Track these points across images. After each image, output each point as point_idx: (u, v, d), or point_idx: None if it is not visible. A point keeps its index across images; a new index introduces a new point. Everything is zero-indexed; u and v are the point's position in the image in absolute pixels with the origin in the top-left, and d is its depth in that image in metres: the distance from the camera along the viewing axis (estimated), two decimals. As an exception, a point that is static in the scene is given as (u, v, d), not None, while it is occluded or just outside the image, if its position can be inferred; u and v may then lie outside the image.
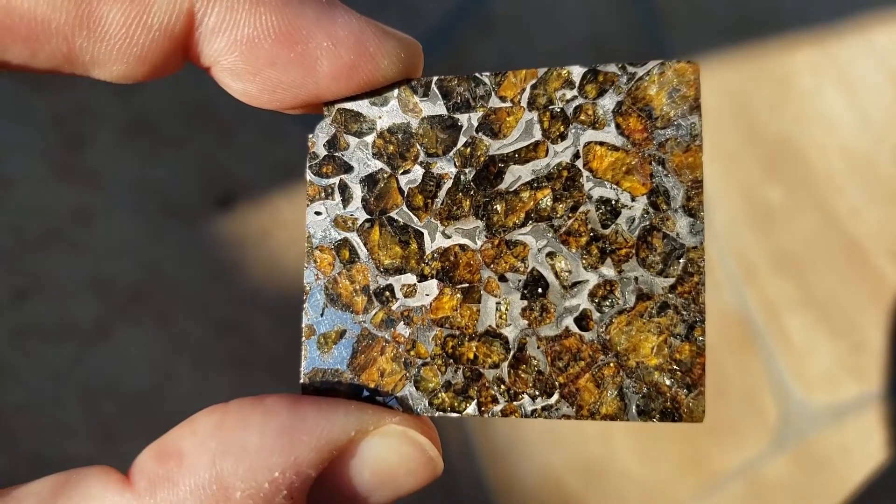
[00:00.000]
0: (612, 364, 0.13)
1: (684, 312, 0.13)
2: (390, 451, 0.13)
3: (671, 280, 0.13)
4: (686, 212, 0.13)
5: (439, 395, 0.14)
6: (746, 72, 0.61)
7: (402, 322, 0.14)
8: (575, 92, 0.14)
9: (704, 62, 0.62)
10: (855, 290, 0.59)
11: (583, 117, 0.14)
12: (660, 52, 0.62)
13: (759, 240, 0.59)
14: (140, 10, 0.12)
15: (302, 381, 0.14)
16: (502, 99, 0.14)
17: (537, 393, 0.13)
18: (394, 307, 0.14)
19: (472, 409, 0.14)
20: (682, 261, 0.13)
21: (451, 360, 0.14)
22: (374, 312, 0.14)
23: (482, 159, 0.14)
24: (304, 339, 0.14)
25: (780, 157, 0.60)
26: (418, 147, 0.14)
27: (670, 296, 0.13)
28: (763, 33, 0.62)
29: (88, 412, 0.52)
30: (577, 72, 0.14)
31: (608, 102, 0.14)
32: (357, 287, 0.14)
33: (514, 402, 0.13)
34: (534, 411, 0.13)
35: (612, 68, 0.14)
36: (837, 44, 0.62)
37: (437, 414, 0.14)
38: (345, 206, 0.14)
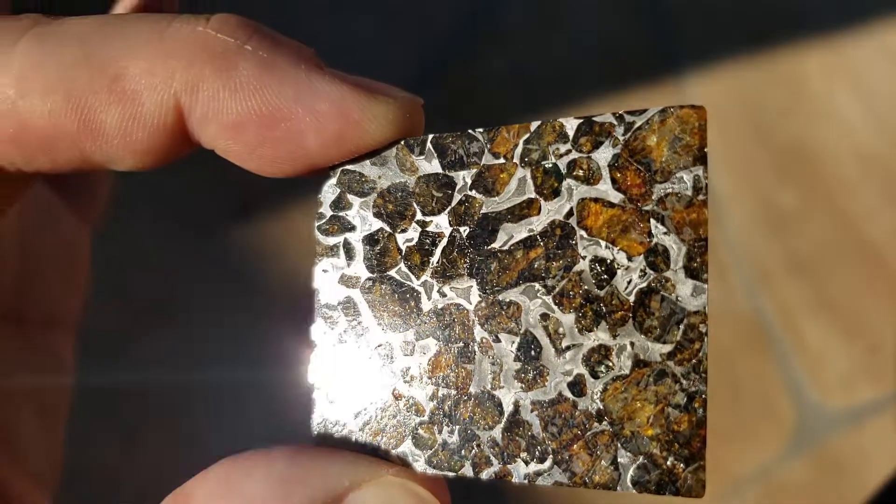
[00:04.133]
0: (606, 432, 0.13)
1: (684, 381, 0.12)
2: (387, 501, 0.13)
3: (670, 347, 0.12)
4: (688, 273, 0.12)
5: (438, 453, 0.14)
6: (759, 76, 0.61)
7: (401, 380, 0.14)
8: (569, 146, 0.13)
9: (716, 67, 0.62)
10: (870, 293, 0.58)
11: (577, 172, 0.13)
12: (671, 58, 0.62)
13: (774, 243, 0.59)
14: (132, 111, 0.13)
15: (314, 432, 0.14)
16: (495, 155, 0.14)
17: (530, 458, 0.13)
18: (393, 365, 0.14)
19: (467, 469, 0.13)
20: (682, 326, 0.12)
21: (448, 420, 0.14)
22: (375, 369, 0.14)
23: (476, 217, 0.14)
24: (313, 392, 0.14)
25: (794, 161, 0.60)
26: (415, 206, 0.14)
27: (669, 363, 0.12)
28: (775, 37, 0.62)
29: (110, 416, 0.53)
30: (570, 124, 0.13)
31: (604, 156, 0.13)
32: (360, 344, 0.14)
33: (508, 465, 0.13)
34: (527, 475, 0.13)
35: (608, 118, 0.13)
36: (850, 47, 0.62)
37: (433, 472, 0.14)
38: (349, 265, 0.14)
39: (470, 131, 0.14)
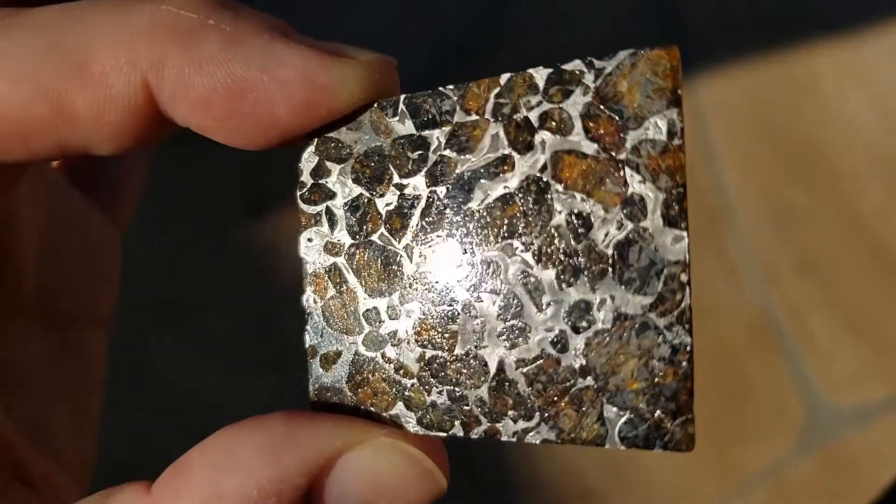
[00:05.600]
0: (590, 388, 0.12)
1: (667, 334, 0.12)
2: (380, 462, 0.13)
3: (650, 298, 0.12)
4: (666, 222, 0.12)
5: (427, 414, 0.14)
6: (770, 75, 0.62)
7: (388, 343, 0.14)
8: (540, 97, 0.13)
9: (727, 66, 0.62)
10: (880, 291, 0.59)
11: (550, 124, 0.13)
12: (681, 57, 0.62)
13: (783, 242, 0.59)
14: (102, 94, 0.13)
15: (311, 398, 0.14)
16: (467, 112, 0.13)
17: (517, 416, 0.13)
18: (380, 329, 0.14)
19: (457, 428, 0.13)
20: (662, 277, 0.12)
21: (436, 381, 0.13)
22: (364, 334, 0.14)
23: (452, 177, 0.13)
24: (309, 358, 0.15)
25: (804, 160, 0.60)
26: (392, 169, 0.14)
27: (650, 315, 0.12)
28: (786, 37, 0.62)
29: (122, 415, 0.54)
30: (540, 74, 0.13)
31: (575, 105, 0.12)
32: (348, 310, 0.14)
33: (497, 424, 0.13)
34: (515, 433, 0.13)
35: (577, 65, 0.12)
36: (860, 46, 0.62)
37: (424, 432, 0.14)
38: (332, 232, 0.14)
39: (441, 88, 0.13)
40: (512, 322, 0.13)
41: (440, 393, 0.13)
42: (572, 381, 0.13)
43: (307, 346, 0.15)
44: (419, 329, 0.14)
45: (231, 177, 0.56)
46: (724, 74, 0.62)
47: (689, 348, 0.12)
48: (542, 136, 0.13)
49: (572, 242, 0.12)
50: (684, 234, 0.12)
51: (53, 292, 0.19)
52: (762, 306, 0.58)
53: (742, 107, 0.61)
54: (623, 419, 0.12)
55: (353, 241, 0.14)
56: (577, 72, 0.12)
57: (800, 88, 0.62)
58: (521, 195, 0.13)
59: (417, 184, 0.14)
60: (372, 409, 0.14)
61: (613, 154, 0.12)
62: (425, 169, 0.14)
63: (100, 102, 0.13)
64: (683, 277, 0.12)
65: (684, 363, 0.12)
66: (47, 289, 0.19)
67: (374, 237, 0.14)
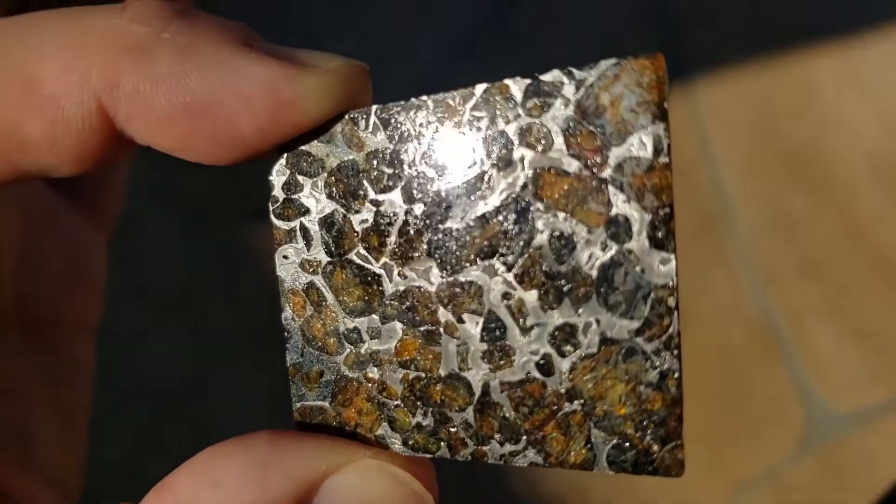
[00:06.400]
0: (577, 412, 0.12)
1: (655, 359, 0.11)
2: (367, 484, 0.13)
3: (637, 323, 0.12)
4: (652, 244, 0.11)
5: (413, 435, 0.13)
6: (768, 80, 0.62)
7: (371, 363, 0.13)
8: (518, 110, 0.12)
9: (726, 71, 0.62)
10: (879, 296, 0.59)
11: (529, 139, 0.12)
12: (681, 62, 0.62)
13: (782, 247, 0.60)
14: (53, 117, 0.12)
15: (295, 417, 0.14)
16: (443, 125, 0.13)
17: (504, 439, 0.12)
18: (362, 349, 0.13)
19: (443, 451, 0.13)
20: (648, 301, 0.11)
21: (420, 402, 0.13)
22: (345, 354, 0.14)
23: (430, 194, 0.13)
24: (290, 377, 0.14)
25: (803, 165, 0.61)
26: (367, 184, 0.13)
27: (637, 340, 0.12)
28: (785, 42, 0.63)
29: (126, 414, 0.54)
30: (518, 86, 0.12)
31: (555, 119, 0.12)
32: (328, 329, 0.14)
33: (483, 447, 0.13)
34: (502, 456, 0.13)
35: (557, 76, 0.12)
36: (861, 51, 0.62)
37: (410, 454, 0.13)
38: (308, 250, 0.14)
39: (414, 100, 0.13)
40: (495, 344, 0.13)
41: (425, 414, 0.13)
42: (559, 406, 0.12)
43: (288, 364, 0.14)
44: (401, 350, 0.13)
45: (236, 183, 0.56)
46: (724, 79, 0.62)
47: (677, 374, 0.11)
48: (522, 151, 0.12)
49: (555, 264, 0.12)
50: (672, 256, 0.11)
51: (34, 299, 0.18)
52: (761, 310, 0.59)
53: (741, 111, 0.62)
54: (611, 444, 0.12)
55: (329, 260, 0.14)
56: (557, 83, 0.12)
57: (799, 93, 0.62)
58: (501, 214, 0.12)
59: (394, 200, 0.13)
60: (357, 429, 0.14)
61: (596, 172, 0.12)
62: (401, 185, 0.13)
63: (52, 126, 0.12)
64: (671, 301, 0.11)
65: (673, 389, 0.11)
66: (27, 296, 0.18)
67: (352, 255, 0.13)
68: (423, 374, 0.13)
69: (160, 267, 0.56)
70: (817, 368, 0.58)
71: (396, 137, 0.13)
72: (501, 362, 0.12)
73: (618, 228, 0.12)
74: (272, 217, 0.14)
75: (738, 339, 0.58)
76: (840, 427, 0.57)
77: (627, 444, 0.12)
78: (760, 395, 0.58)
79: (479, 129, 0.12)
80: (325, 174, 0.13)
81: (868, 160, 0.61)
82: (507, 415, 0.13)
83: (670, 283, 0.11)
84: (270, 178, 0.14)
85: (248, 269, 0.57)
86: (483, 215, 0.12)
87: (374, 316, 0.13)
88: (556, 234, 0.12)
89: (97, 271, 0.21)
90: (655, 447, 0.12)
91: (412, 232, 0.13)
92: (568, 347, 0.12)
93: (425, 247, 0.13)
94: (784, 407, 0.57)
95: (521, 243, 0.12)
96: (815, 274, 0.59)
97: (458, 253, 0.13)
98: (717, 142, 0.61)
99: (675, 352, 0.11)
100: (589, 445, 0.12)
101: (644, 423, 0.12)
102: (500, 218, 0.12)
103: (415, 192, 0.13)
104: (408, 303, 0.13)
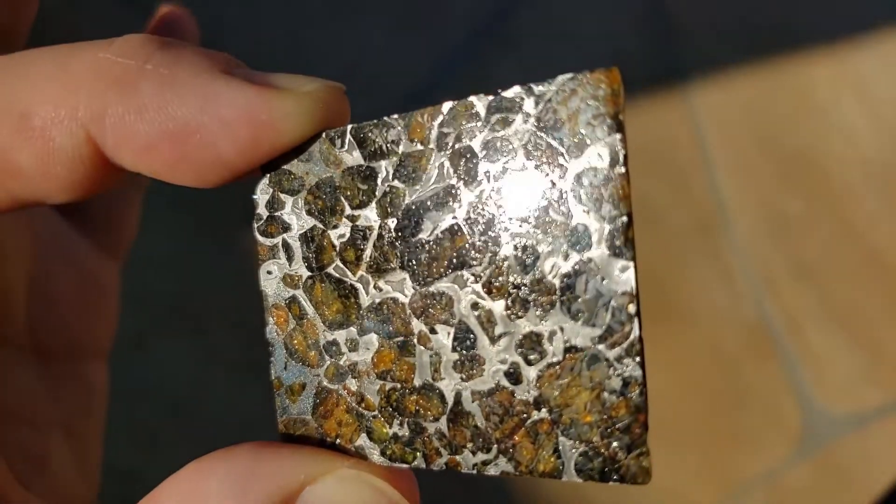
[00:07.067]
0: (545, 420, 0.12)
1: (617, 366, 0.12)
2: (344, 493, 0.13)
3: (599, 330, 0.12)
4: (612, 252, 0.12)
5: (390, 445, 0.13)
6: (765, 85, 0.62)
7: (350, 375, 0.14)
8: (482, 125, 0.12)
9: (723, 75, 0.62)
10: (875, 299, 0.59)
11: (493, 154, 0.12)
12: (678, 67, 0.63)
13: (779, 250, 0.60)
14: (44, 148, 0.13)
15: (279, 429, 0.14)
16: (412, 142, 0.13)
17: (476, 448, 0.13)
18: (341, 361, 0.14)
19: (419, 460, 0.13)
20: (609, 309, 0.12)
21: (396, 413, 0.13)
22: (325, 366, 0.14)
23: (401, 208, 0.13)
24: (275, 390, 0.14)
25: (798, 169, 0.61)
26: (343, 201, 0.14)
27: (599, 347, 0.12)
28: (781, 47, 0.63)
29: (127, 420, 0.54)
30: (481, 102, 0.12)
31: (517, 133, 0.12)
32: (309, 342, 0.14)
33: (457, 456, 0.13)
34: (475, 465, 0.13)
35: (517, 91, 0.12)
36: (856, 56, 0.63)
37: (388, 464, 0.13)
38: (290, 265, 0.14)
39: (386, 118, 0.13)
40: (466, 354, 0.13)
41: (401, 425, 0.13)
42: (527, 414, 0.12)
43: (273, 378, 0.14)
44: (378, 361, 0.14)
45: (234, 188, 0.57)
46: (720, 83, 0.63)
47: (640, 380, 0.12)
48: (487, 165, 0.12)
49: (521, 274, 0.12)
50: (630, 264, 0.12)
51: (47, 327, 0.19)
52: (758, 313, 0.59)
53: (737, 115, 0.62)
54: (578, 452, 0.12)
55: (309, 274, 0.14)
56: (517, 98, 0.12)
57: (795, 97, 0.62)
58: (468, 226, 0.13)
59: (369, 215, 0.13)
60: (338, 440, 0.14)
61: (556, 184, 0.12)
62: (375, 200, 0.13)
63: (44, 156, 0.13)
64: (631, 309, 0.12)
65: (635, 396, 0.12)
66: (40, 324, 0.19)
67: (330, 269, 0.14)
68: (399, 385, 0.13)
69: (159, 271, 0.56)
70: (814, 371, 0.58)
71: (370, 154, 0.13)
72: (473, 371, 0.13)
73: (578, 238, 0.12)
74: (256, 234, 0.15)
75: (735, 342, 0.58)
76: (837, 429, 0.57)
77: (594, 451, 0.12)
78: (757, 398, 0.58)
79: (446, 144, 0.13)
80: (305, 192, 0.14)
81: (864, 164, 0.61)
82: (478, 424, 0.13)
83: (630, 290, 0.12)
84: (254, 196, 0.15)
85: (247, 273, 0.57)
86: (451, 227, 0.13)
87: (352, 328, 0.14)
88: (521, 244, 0.12)
89: (109, 298, 0.21)
90: (621, 454, 0.12)
91: (386, 245, 0.13)
92: (534, 356, 0.12)
93: (398, 259, 0.13)
94: (781, 409, 0.58)
95: (489, 255, 0.13)
96: (812, 277, 0.59)
97: (429, 265, 0.13)
98: (713, 145, 0.61)
99: (638, 358, 0.12)
100: (557, 453, 0.12)
101: (609, 431, 0.12)
102: (468, 230, 0.13)
103: (388, 206, 0.13)
104: (383, 314, 0.13)
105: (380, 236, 0.13)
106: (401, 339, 0.13)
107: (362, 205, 0.14)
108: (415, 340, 0.13)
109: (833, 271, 0.59)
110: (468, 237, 0.13)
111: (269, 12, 0.60)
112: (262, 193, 0.14)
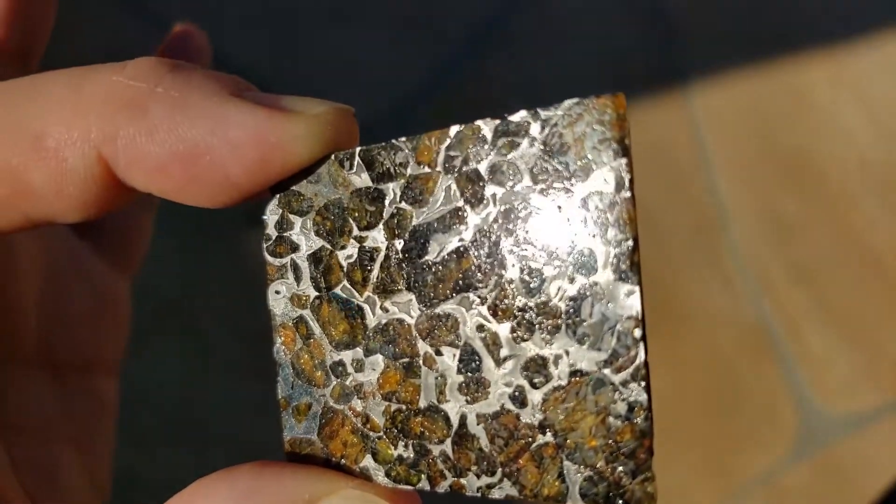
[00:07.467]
0: (550, 444, 0.12)
1: (622, 390, 0.12)
2: None
3: (605, 355, 0.12)
4: (617, 276, 0.12)
5: (395, 467, 0.13)
6: (763, 86, 0.62)
7: (356, 396, 0.14)
8: (489, 149, 0.13)
9: (722, 77, 0.63)
10: (873, 300, 0.59)
11: (499, 177, 0.13)
12: (677, 68, 0.63)
13: (777, 252, 0.60)
14: (58, 169, 0.13)
15: (285, 449, 0.14)
16: (420, 164, 0.13)
17: (480, 471, 0.13)
18: (347, 382, 0.14)
19: (424, 482, 0.13)
20: (615, 333, 0.12)
21: (401, 435, 0.13)
22: (331, 386, 0.14)
23: (408, 230, 0.13)
24: (281, 409, 0.14)
25: (797, 170, 0.61)
26: (351, 222, 0.14)
27: (605, 372, 0.12)
28: (779, 48, 0.63)
29: (125, 421, 0.54)
30: (488, 126, 0.13)
31: (523, 157, 0.12)
32: (316, 362, 0.14)
33: (461, 479, 0.13)
34: (479, 488, 0.13)
35: (523, 116, 0.12)
36: (854, 58, 0.63)
37: (393, 485, 0.14)
38: (298, 285, 0.14)
39: (394, 141, 0.13)
40: (471, 376, 0.13)
41: (406, 447, 0.13)
42: (532, 437, 0.12)
43: (279, 397, 0.15)
44: (383, 382, 0.14)
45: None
46: (719, 84, 0.63)
47: (645, 405, 0.12)
48: (493, 188, 0.13)
49: (526, 297, 0.12)
50: (636, 288, 0.12)
51: (57, 341, 0.19)
52: (756, 314, 0.59)
53: (736, 116, 0.62)
54: (583, 476, 0.12)
55: (317, 294, 0.14)
56: (524, 123, 0.12)
57: (793, 98, 0.62)
58: (474, 248, 0.13)
59: (376, 236, 0.14)
60: (343, 460, 0.14)
61: (561, 207, 0.12)
62: (383, 221, 0.14)
63: (57, 177, 0.13)
64: (637, 333, 0.12)
65: (640, 421, 0.12)
66: (50, 338, 0.19)
67: (337, 290, 0.14)
68: (404, 407, 0.13)
69: (159, 271, 0.56)
70: (812, 372, 0.58)
71: (378, 177, 0.14)
72: (478, 394, 0.13)
73: (584, 262, 0.12)
74: (265, 254, 0.15)
75: (734, 344, 0.59)
76: (835, 431, 0.58)
77: (598, 476, 0.12)
78: (755, 400, 0.58)
79: (453, 167, 0.13)
80: (314, 213, 0.14)
81: (862, 165, 0.61)
82: (483, 447, 0.13)
83: (636, 315, 0.12)
84: (264, 216, 0.15)
85: (246, 274, 0.57)
86: (457, 249, 0.13)
87: (358, 349, 0.14)
88: (527, 267, 0.12)
89: (121, 313, 0.21)
90: (626, 480, 0.12)
91: (393, 266, 0.13)
92: (539, 379, 0.12)
93: (405, 281, 0.13)
94: (779, 411, 0.58)
95: (494, 277, 0.13)
96: (810, 279, 0.60)
97: (435, 286, 0.13)
98: (712, 147, 0.61)
99: (643, 383, 0.12)
100: (562, 478, 0.12)
101: (614, 455, 0.12)
102: (474, 252, 0.13)
103: (395, 227, 0.13)
104: (389, 335, 0.14)
105: (387, 257, 0.13)
106: (406, 360, 0.13)
107: (370, 226, 0.14)
108: (420, 362, 0.13)
109: (831, 273, 0.60)
110: (474, 259, 0.13)
111: (270, 12, 0.60)
112: (271, 214, 0.15)
